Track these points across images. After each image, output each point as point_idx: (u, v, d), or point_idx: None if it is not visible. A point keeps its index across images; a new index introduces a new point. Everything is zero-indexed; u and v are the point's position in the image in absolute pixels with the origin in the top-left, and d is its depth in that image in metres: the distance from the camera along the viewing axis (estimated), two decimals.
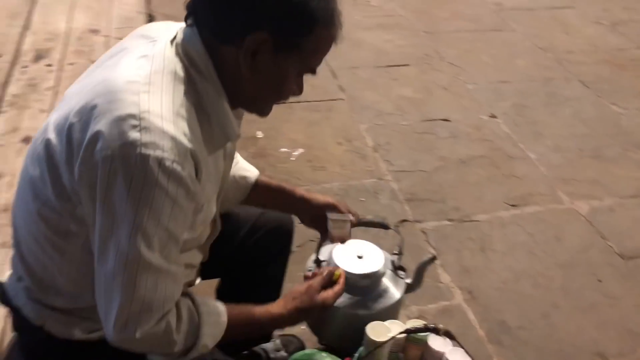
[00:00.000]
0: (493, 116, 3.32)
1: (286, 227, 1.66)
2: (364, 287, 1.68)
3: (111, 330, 1.00)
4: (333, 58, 3.69)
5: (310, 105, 3.24)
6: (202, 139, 1.01)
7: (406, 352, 1.63)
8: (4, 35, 3.45)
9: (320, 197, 1.51)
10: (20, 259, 1.15)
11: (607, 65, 3.98)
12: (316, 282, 1.33)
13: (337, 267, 1.49)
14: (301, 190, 1.51)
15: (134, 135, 0.90)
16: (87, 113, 0.94)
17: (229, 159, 1.23)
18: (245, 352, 1.84)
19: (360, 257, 1.70)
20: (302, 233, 2.39)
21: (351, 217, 1.53)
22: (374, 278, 1.68)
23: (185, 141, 0.95)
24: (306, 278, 1.40)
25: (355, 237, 1.76)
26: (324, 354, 1.55)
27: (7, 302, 1.20)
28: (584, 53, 4.11)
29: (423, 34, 4.17)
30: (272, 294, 1.75)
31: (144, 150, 0.90)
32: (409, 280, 1.77)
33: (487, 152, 3.02)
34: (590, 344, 2.06)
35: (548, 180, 2.85)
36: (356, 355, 1.60)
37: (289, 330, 2.00)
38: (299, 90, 1.11)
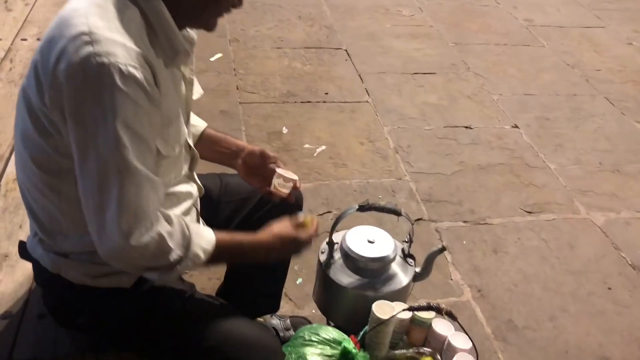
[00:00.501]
0: (515, 126, 3.36)
1: (295, 199, 1.72)
2: (374, 270, 1.75)
3: (104, 243, 1.06)
4: (361, 62, 3.82)
5: (335, 105, 3.33)
6: (154, 52, 1.11)
7: (410, 334, 1.69)
8: None
9: (256, 147, 1.57)
10: (30, 212, 1.26)
11: (634, 85, 3.98)
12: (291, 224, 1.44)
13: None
14: (240, 141, 1.58)
15: (88, 49, 1.00)
16: (47, 46, 1.05)
17: (189, 85, 1.31)
18: None
19: (371, 242, 1.78)
20: (320, 224, 2.48)
21: (296, 177, 1.58)
22: (384, 262, 1.75)
23: (135, 47, 1.04)
24: None
25: (366, 224, 1.84)
26: (329, 328, 1.62)
27: (27, 257, 1.32)
28: (612, 72, 4.12)
29: (452, 44, 4.24)
30: (279, 269, 1.83)
31: (99, 59, 0.99)
32: (417, 269, 1.83)
33: (506, 160, 3.07)
34: (595, 348, 2.08)
35: (566, 191, 2.88)
36: (361, 332, 1.67)
37: (300, 313, 2.08)
38: (237, 1, 1.17)
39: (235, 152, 1.55)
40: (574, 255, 2.49)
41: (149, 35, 1.11)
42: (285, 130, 3.10)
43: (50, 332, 1.39)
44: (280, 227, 1.38)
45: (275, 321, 1.94)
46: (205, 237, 1.20)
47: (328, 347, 1.56)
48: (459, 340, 1.59)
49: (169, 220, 1.13)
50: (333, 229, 1.74)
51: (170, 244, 1.11)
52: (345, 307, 1.80)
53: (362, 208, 1.70)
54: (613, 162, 3.15)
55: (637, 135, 3.43)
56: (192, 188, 1.40)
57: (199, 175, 1.46)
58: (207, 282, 2.14)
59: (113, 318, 1.27)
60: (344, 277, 1.74)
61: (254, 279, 1.73)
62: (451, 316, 1.52)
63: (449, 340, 1.60)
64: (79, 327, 1.32)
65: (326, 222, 2.51)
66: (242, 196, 1.62)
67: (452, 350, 1.58)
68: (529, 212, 2.71)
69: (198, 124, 1.55)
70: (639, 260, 2.49)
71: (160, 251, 1.11)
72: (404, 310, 1.56)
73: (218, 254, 1.22)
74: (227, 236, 1.27)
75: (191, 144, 1.37)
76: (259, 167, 1.55)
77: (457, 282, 2.30)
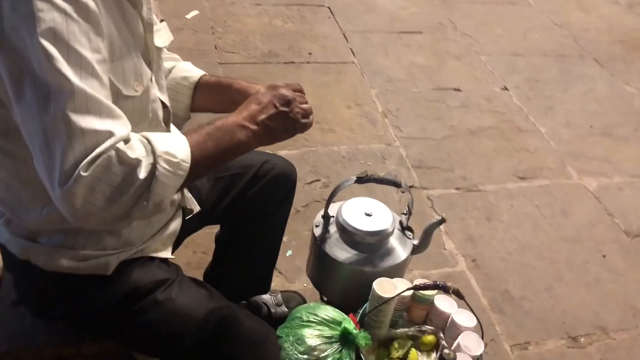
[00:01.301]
0: (505, 89, 3.27)
1: (289, 175, 1.60)
2: (371, 244, 1.66)
3: (59, 187, 0.87)
4: (345, 20, 3.65)
5: (320, 66, 3.19)
6: None
7: (411, 311, 1.61)
8: None
9: (258, 86, 1.27)
10: None
11: (623, 46, 3.91)
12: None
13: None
14: (240, 82, 1.35)
15: None
16: None
17: (148, 26, 1.12)
18: (244, 302, 1.83)
19: (368, 215, 1.68)
20: (308, 193, 2.39)
21: None
22: (382, 236, 1.66)
23: None
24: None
25: (357, 193, 1.74)
26: (328, 307, 1.53)
27: None
28: (600, 32, 4.04)
29: (438, 3, 4.08)
30: (273, 242, 1.73)
31: None
32: (415, 242, 1.75)
33: (497, 123, 2.98)
34: (592, 316, 2.05)
35: (558, 155, 2.82)
36: (360, 311, 1.59)
37: (291, 288, 1.99)
38: None
39: (237, 100, 1.22)
40: (567, 222, 2.44)
41: None
42: None
43: (27, 320, 1.27)
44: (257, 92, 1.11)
45: (266, 297, 1.85)
46: (171, 136, 0.99)
47: (327, 328, 1.48)
48: (463, 318, 1.52)
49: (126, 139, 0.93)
50: (329, 202, 1.64)
51: (132, 154, 0.89)
52: (341, 283, 1.72)
53: (361, 180, 1.60)
54: (603, 125, 3.10)
55: (627, 97, 3.37)
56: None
57: None
58: (192, 255, 2.03)
59: (92, 309, 1.15)
60: (340, 252, 1.65)
61: (244, 259, 1.63)
62: (459, 295, 1.44)
63: (452, 318, 1.53)
64: (55, 318, 1.20)
65: (315, 190, 2.41)
66: (233, 172, 1.49)
67: (456, 329, 1.51)
68: (522, 178, 2.65)
69: (190, 74, 1.37)
70: (632, 226, 2.46)
71: (125, 168, 0.89)
72: (408, 289, 1.47)
73: (197, 147, 0.99)
74: (195, 130, 1.03)
75: (163, 98, 1.20)
76: None
77: (451, 251, 2.23)
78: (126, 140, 0.91)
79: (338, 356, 1.44)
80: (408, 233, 1.74)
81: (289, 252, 2.12)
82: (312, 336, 1.45)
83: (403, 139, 2.76)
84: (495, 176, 2.63)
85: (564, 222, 2.44)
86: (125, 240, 1.16)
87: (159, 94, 1.17)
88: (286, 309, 1.87)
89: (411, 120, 2.91)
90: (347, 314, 1.58)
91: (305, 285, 1.98)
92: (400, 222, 1.75)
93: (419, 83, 3.20)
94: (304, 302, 1.90)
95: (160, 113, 1.18)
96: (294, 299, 1.90)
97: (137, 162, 0.90)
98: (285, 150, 2.59)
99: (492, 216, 2.42)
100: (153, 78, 1.15)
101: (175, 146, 0.96)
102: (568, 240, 2.35)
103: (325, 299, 1.85)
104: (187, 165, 0.96)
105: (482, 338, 1.50)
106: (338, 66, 3.24)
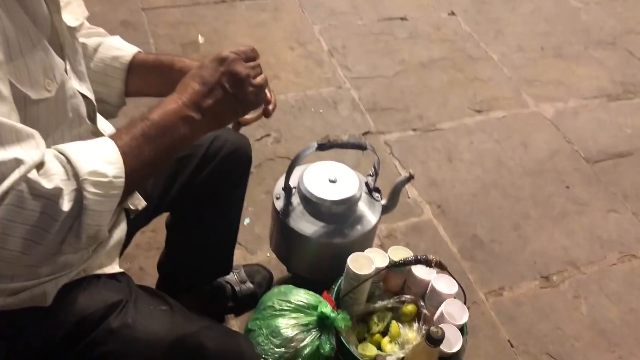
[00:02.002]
0: (452, 13, 3.10)
1: (244, 151, 1.41)
2: (339, 213, 1.53)
3: None
4: None
5: (255, 4, 2.92)
6: None
7: (387, 281, 1.51)
8: None
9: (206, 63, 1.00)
10: None
11: None
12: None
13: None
14: (183, 61, 1.12)
15: None
16: None
17: (53, 5, 0.89)
18: (208, 287, 1.68)
19: (333, 182, 1.54)
20: (259, 151, 2.20)
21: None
22: (349, 203, 1.53)
23: None
24: None
25: (323, 159, 1.58)
26: (300, 291, 1.41)
27: None
28: None
29: None
30: (232, 224, 1.57)
31: None
32: (384, 202, 1.63)
33: (448, 53, 2.84)
34: (561, 252, 2.02)
35: (512, 83, 2.72)
36: (334, 287, 1.48)
37: (253, 260, 1.85)
38: None
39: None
40: (528, 155, 2.37)
41: None
42: (201, 39, 2.68)
43: None
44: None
45: (228, 276, 1.71)
46: (96, 146, 0.79)
47: (302, 315, 1.36)
48: (443, 284, 1.43)
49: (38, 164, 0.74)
50: (289, 174, 1.47)
51: (48, 183, 0.71)
52: (309, 257, 1.60)
53: (322, 146, 1.43)
54: (554, 45, 3.00)
55: (575, 13, 3.27)
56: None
57: None
58: (141, 236, 1.85)
59: (34, 348, 0.97)
60: (306, 226, 1.51)
61: (201, 245, 1.46)
62: (441, 267, 1.34)
63: (432, 285, 1.44)
64: None
65: (266, 147, 2.23)
66: (179, 155, 1.29)
67: (438, 296, 1.42)
68: (478, 111, 2.54)
69: (122, 53, 1.13)
70: (591, 152, 2.42)
71: (42, 201, 0.71)
72: (387, 267, 1.36)
73: (130, 154, 0.80)
74: (126, 129, 0.83)
75: (83, 90, 0.98)
76: None
77: (415, 199, 2.13)
78: (39, 166, 0.72)
79: (317, 343, 1.33)
80: (376, 195, 1.62)
81: (247, 221, 1.96)
82: (287, 326, 1.33)
83: (353, 80, 2.59)
84: (451, 112, 2.52)
85: (525, 154, 2.37)
86: (62, 263, 0.97)
87: (77, 86, 0.95)
88: (251, 285, 1.74)
89: (359, 57, 2.72)
90: (319, 288, 1.47)
91: (268, 255, 1.84)
92: (367, 184, 1.62)
93: (364, 14, 2.99)
94: (270, 275, 1.78)
95: (83, 109, 0.97)
96: (259, 273, 1.77)
97: (56, 192, 0.72)
98: None
99: (453, 156, 2.32)
100: (68, 68, 0.93)
101: (103, 160, 0.77)
102: (531, 174, 2.29)
103: (293, 271, 1.74)
104: (121, 181, 0.78)
105: (465, 303, 1.42)
106: (275, 1, 2.97)
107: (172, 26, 2.72)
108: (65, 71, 0.91)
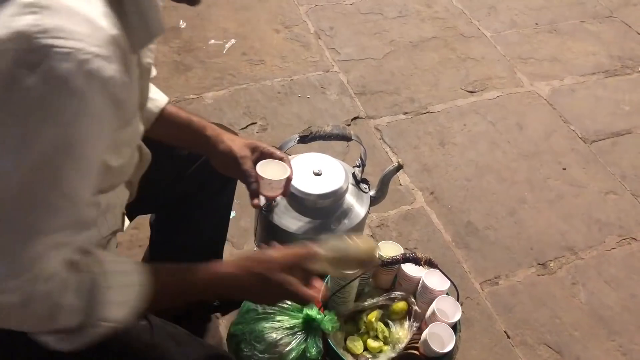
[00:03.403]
0: None
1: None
2: (325, 207, 1.46)
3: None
4: None
5: None
6: (124, 34, 0.70)
7: (377, 277, 1.45)
8: None
9: (237, 142, 1.14)
10: None
11: None
12: (281, 256, 0.94)
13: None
14: (213, 129, 1.14)
15: (28, 18, 0.59)
16: None
17: (147, 73, 0.90)
18: None
19: (317, 174, 1.46)
20: None
21: (287, 173, 1.17)
22: (336, 196, 1.46)
23: (105, 24, 0.65)
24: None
25: (307, 150, 1.51)
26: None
27: None
28: None
29: None
30: (221, 222, 1.50)
31: (45, 40, 0.59)
32: (372, 193, 1.56)
33: (439, 32, 2.74)
34: (558, 238, 1.96)
35: (506, 61, 2.63)
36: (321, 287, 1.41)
37: (237, 254, 1.79)
38: None
39: (207, 148, 1.14)
40: (523, 136, 2.30)
41: (113, 9, 0.69)
42: (183, 24, 2.58)
43: None
44: (259, 264, 0.92)
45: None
46: (121, 284, 0.77)
47: (287, 317, 1.30)
48: (435, 280, 1.37)
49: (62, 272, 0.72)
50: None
51: (65, 300, 0.71)
52: None
53: (304, 139, 1.36)
54: (549, 20, 2.91)
55: None
56: (125, 196, 1.02)
57: None
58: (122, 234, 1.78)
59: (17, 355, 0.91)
60: (291, 222, 1.44)
61: (188, 245, 1.39)
62: (431, 265, 1.27)
63: (423, 282, 1.37)
64: None
65: (252, 136, 2.15)
66: None
67: (429, 292, 1.36)
68: (471, 92, 2.46)
69: (157, 96, 1.11)
70: (588, 131, 2.35)
71: (48, 313, 0.71)
72: (375, 266, 1.30)
73: (156, 298, 0.81)
74: (167, 271, 0.85)
75: (141, 143, 0.98)
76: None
77: (407, 186, 2.06)
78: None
79: (303, 346, 1.27)
80: (363, 186, 1.55)
81: (233, 214, 1.89)
82: (271, 330, 1.27)
83: (341, 63, 2.50)
84: (443, 93, 2.43)
85: (520, 136, 2.29)
86: None
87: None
88: None
89: (348, 39, 2.63)
90: None
91: (255, 250, 1.77)
92: (354, 175, 1.55)
93: None
94: None
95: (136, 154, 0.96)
96: None
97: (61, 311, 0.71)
98: (212, 91, 2.29)
99: (446, 139, 2.24)
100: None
101: (125, 303, 0.78)
102: (526, 156, 2.22)
103: None
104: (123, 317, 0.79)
105: (458, 299, 1.36)
106: None
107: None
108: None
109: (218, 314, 1.65)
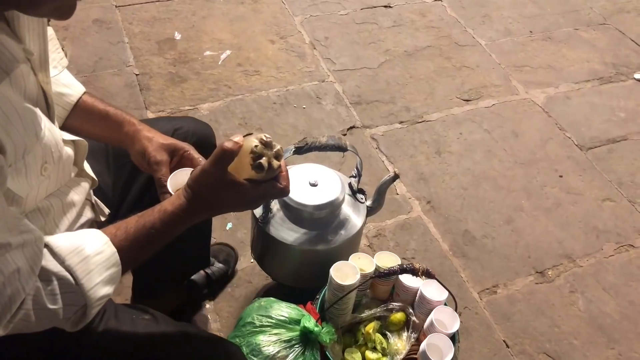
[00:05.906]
0: None
1: (207, 139, 1.31)
2: (321, 218, 1.45)
3: None
4: None
5: None
6: None
7: (374, 288, 1.44)
8: None
9: (154, 143, 1.05)
10: None
11: None
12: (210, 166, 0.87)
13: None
14: (130, 125, 1.08)
15: None
16: None
17: (43, 69, 0.87)
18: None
19: (314, 185, 1.46)
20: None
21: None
22: (332, 207, 1.45)
23: None
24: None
25: (302, 161, 1.51)
26: (282, 305, 1.34)
27: None
28: None
29: None
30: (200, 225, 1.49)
31: None
32: (369, 203, 1.55)
33: (434, 41, 2.75)
34: (556, 245, 1.96)
35: (501, 69, 2.64)
36: (319, 298, 1.41)
37: (238, 266, 1.78)
38: None
39: (125, 143, 1.08)
40: (520, 144, 2.30)
41: None
42: (178, 35, 2.58)
43: None
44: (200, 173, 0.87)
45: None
46: (98, 258, 0.80)
47: (284, 330, 1.29)
48: (432, 291, 1.36)
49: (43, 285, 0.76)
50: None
51: (52, 305, 0.76)
52: (292, 265, 1.52)
53: (300, 150, 1.36)
54: (543, 28, 2.92)
55: None
56: (83, 187, 1.00)
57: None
58: None
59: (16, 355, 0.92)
60: (287, 233, 1.43)
61: (173, 245, 1.38)
62: (429, 275, 1.27)
63: (421, 292, 1.36)
64: None
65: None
66: None
67: (427, 303, 1.35)
68: (467, 100, 2.46)
69: (69, 91, 1.07)
70: (584, 138, 2.35)
71: (47, 319, 0.77)
72: (371, 278, 1.29)
73: (127, 259, 0.83)
74: (124, 228, 0.84)
75: (70, 136, 0.95)
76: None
77: (404, 196, 2.06)
78: (45, 281, 0.77)
79: (301, 359, 1.26)
80: (360, 196, 1.54)
81: (229, 225, 1.88)
82: (268, 343, 1.26)
83: (337, 73, 2.50)
84: (439, 102, 2.44)
85: (516, 144, 2.29)
86: None
87: (61, 136, 0.90)
88: (221, 265, 1.72)
89: (343, 48, 2.63)
90: (305, 296, 1.41)
91: (252, 261, 1.77)
92: (350, 185, 1.54)
93: (346, 3, 2.90)
94: (234, 252, 1.78)
95: (72, 158, 0.95)
96: (222, 251, 1.77)
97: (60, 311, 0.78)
98: (207, 103, 2.29)
99: (442, 148, 2.24)
100: (56, 130, 0.89)
101: (109, 276, 0.82)
102: (523, 164, 2.22)
103: (275, 279, 1.67)
104: (115, 279, 0.84)
105: (456, 309, 1.35)
106: None
107: (147, 23, 2.62)
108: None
109: (208, 300, 1.69)
